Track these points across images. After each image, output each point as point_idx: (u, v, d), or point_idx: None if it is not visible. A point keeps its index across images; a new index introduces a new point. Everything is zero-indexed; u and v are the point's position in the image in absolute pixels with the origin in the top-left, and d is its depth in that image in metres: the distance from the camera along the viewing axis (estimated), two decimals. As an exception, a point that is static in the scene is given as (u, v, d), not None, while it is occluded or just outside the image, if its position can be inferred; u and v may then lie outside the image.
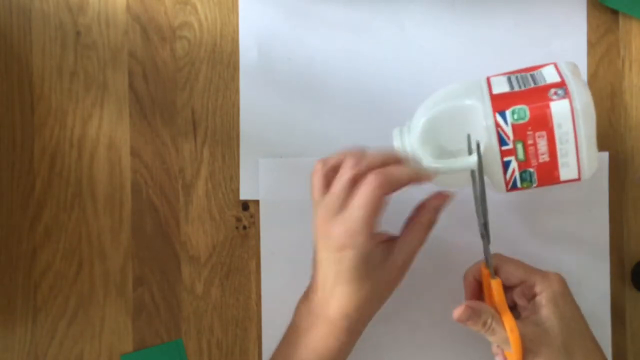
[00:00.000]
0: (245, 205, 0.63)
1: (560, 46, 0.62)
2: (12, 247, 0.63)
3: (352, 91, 0.63)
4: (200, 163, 0.63)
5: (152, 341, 0.63)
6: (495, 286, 0.52)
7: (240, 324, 0.63)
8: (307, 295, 0.55)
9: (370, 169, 0.51)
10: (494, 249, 0.53)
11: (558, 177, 0.51)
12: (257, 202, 0.63)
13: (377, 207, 0.50)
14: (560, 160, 0.51)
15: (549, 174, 0.51)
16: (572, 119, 0.49)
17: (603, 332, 0.60)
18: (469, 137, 0.51)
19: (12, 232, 0.63)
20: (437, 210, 0.54)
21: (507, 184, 0.52)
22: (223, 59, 0.63)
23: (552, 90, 0.50)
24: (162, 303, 0.63)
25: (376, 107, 0.63)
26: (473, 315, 0.50)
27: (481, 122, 0.51)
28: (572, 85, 0.50)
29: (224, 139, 0.63)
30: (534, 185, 0.52)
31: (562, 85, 0.50)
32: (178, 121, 0.63)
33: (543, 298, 0.52)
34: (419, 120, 0.53)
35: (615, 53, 0.63)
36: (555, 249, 0.61)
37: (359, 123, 0.62)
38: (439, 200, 0.54)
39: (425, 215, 0.54)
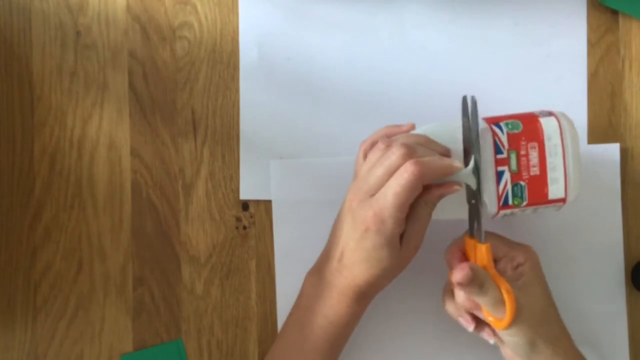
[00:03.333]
0: (245, 205, 0.63)
1: (560, 46, 0.62)
2: (12, 247, 0.63)
3: (352, 91, 0.63)
4: (200, 163, 0.63)
5: (152, 341, 0.63)
6: (485, 250, 0.52)
7: (240, 324, 0.63)
8: (318, 265, 0.56)
9: (410, 150, 0.51)
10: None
11: (547, 195, 0.53)
12: (257, 202, 0.63)
13: (410, 195, 0.50)
14: (549, 175, 0.53)
15: (539, 190, 0.53)
16: (560, 133, 0.53)
17: (617, 329, 0.61)
18: (465, 103, 0.53)
19: (12, 232, 0.63)
20: (433, 202, 0.53)
21: (499, 198, 0.53)
22: (223, 59, 0.63)
23: (537, 112, 0.55)
24: (162, 303, 0.63)
25: (376, 107, 0.63)
26: (474, 276, 0.50)
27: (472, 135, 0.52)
28: (556, 112, 0.55)
29: (224, 139, 0.63)
30: (524, 203, 0.53)
31: (544, 111, 0.55)
32: (178, 121, 0.63)
33: (527, 266, 0.54)
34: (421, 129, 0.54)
35: (615, 53, 0.63)
36: (565, 243, 0.61)
37: (359, 122, 0.62)
38: (445, 188, 0.53)
39: (424, 208, 0.53)
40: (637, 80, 0.63)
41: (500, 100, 0.62)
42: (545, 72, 0.62)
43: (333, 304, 0.54)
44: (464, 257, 0.55)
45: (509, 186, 0.53)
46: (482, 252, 0.52)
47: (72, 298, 0.63)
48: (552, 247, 0.62)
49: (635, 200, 0.62)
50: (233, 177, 0.63)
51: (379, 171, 0.51)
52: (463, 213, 0.54)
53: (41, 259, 0.63)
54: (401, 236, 0.53)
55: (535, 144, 0.53)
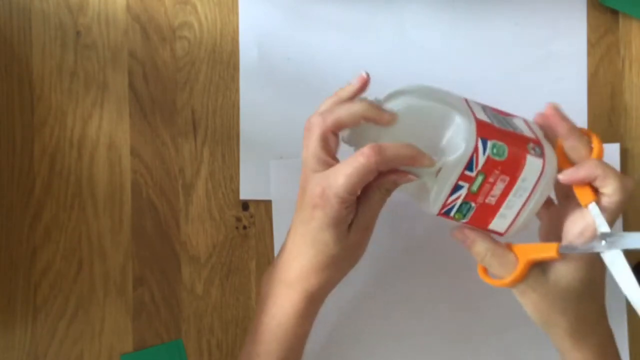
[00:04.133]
0: (245, 205, 0.63)
1: (560, 46, 0.62)
2: (12, 247, 0.63)
3: (352, 91, 0.63)
4: (200, 163, 0.63)
5: (152, 341, 0.63)
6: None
7: (240, 324, 0.63)
8: (273, 262, 0.53)
9: (338, 117, 0.48)
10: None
11: (487, 224, 0.51)
12: (257, 202, 0.63)
13: (363, 179, 0.47)
14: (501, 210, 0.50)
15: (483, 217, 0.50)
16: (537, 179, 0.49)
17: (617, 329, 0.61)
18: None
19: (12, 232, 0.63)
20: (387, 189, 0.50)
21: (443, 206, 0.50)
22: (223, 59, 0.63)
23: (531, 145, 0.50)
24: (162, 303, 0.63)
25: (376, 107, 0.63)
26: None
27: (458, 138, 0.49)
28: (547, 149, 0.51)
29: (224, 139, 0.63)
30: (463, 221, 0.51)
31: (538, 144, 0.51)
32: (178, 121, 0.63)
33: (612, 203, 0.49)
34: (400, 100, 0.49)
35: (615, 53, 0.63)
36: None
37: (359, 123, 0.62)
38: (399, 176, 0.50)
39: (376, 193, 0.50)
40: (637, 80, 0.63)
41: (500, 100, 0.62)
42: (545, 72, 0.62)
43: (281, 303, 0.51)
44: None
45: (459, 202, 0.50)
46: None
47: (72, 298, 0.63)
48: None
49: (635, 201, 0.62)
50: (233, 177, 0.63)
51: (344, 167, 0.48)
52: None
53: (41, 259, 0.63)
54: (355, 217, 0.49)
55: (507, 178, 0.49)
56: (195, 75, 0.63)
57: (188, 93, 0.63)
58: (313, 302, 0.52)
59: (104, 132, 0.63)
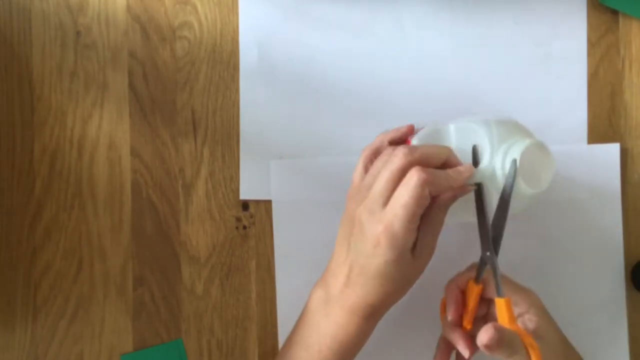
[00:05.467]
0: (245, 205, 0.63)
1: (560, 46, 0.62)
2: (12, 247, 0.63)
3: (352, 91, 0.63)
4: (200, 163, 0.63)
5: (152, 341, 0.63)
6: (505, 305, 0.49)
7: (240, 324, 0.63)
8: (325, 280, 0.53)
9: (421, 162, 0.49)
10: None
11: None
12: (257, 202, 0.63)
13: (420, 205, 0.48)
14: None
15: None
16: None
17: (617, 329, 0.61)
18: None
19: (12, 232, 0.63)
20: (446, 206, 0.51)
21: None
22: (223, 59, 0.63)
23: None
24: (162, 303, 0.63)
25: (375, 107, 0.63)
26: (500, 338, 0.46)
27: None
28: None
29: (224, 139, 0.63)
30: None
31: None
32: (178, 121, 0.63)
33: (533, 315, 0.51)
34: (524, 143, 0.51)
35: (615, 53, 0.63)
36: (565, 243, 0.61)
37: (359, 122, 0.62)
38: (461, 191, 0.51)
39: (438, 214, 0.51)
40: (637, 80, 0.63)
41: (500, 100, 0.62)
42: (545, 72, 0.62)
43: (342, 324, 0.51)
44: (461, 299, 0.53)
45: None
46: (502, 308, 0.49)
47: (72, 298, 0.63)
48: (552, 247, 0.62)
49: (635, 201, 0.62)
50: (233, 177, 0.63)
51: (385, 175, 0.49)
52: (471, 216, 0.53)
53: (41, 259, 0.63)
54: (413, 245, 0.50)
55: None
56: (195, 75, 0.63)
57: (188, 93, 0.63)
58: (374, 322, 0.53)
59: (104, 132, 0.63)
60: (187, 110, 0.63)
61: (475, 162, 0.52)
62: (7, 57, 0.63)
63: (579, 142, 0.62)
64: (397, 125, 0.56)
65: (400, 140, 0.54)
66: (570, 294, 0.61)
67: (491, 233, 0.51)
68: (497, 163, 0.51)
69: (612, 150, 0.62)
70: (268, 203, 0.63)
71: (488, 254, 0.51)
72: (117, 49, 0.63)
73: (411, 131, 0.55)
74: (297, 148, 0.63)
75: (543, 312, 0.52)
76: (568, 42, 0.62)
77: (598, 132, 0.62)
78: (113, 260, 0.63)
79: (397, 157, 0.49)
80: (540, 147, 0.51)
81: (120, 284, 0.63)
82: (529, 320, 0.52)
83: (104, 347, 0.63)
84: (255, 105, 0.63)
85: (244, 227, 0.63)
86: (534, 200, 0.52)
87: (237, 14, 0.63)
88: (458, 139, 0.53)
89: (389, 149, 0.51)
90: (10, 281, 0.63)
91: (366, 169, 0.53)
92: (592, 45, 0.62)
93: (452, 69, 0.63)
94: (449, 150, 0.51)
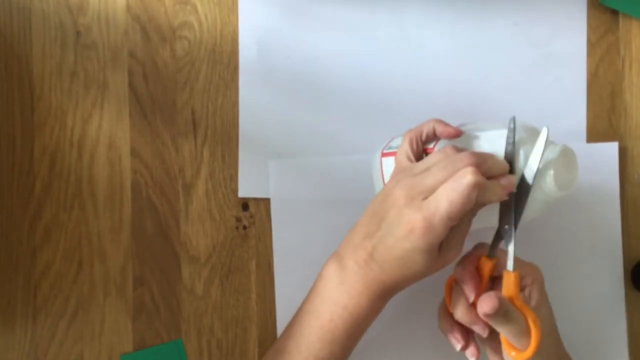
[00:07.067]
0: (245, 205, 0.63)
1: (560, 46, 0.62)
2: (12, 247, 0.63)
3: (352, 90, 0.63)
4: (200, 163, 0.63)
5: (152, 341, 0.63)
6: (513, 278, 0.51)
7: (240, 324, 0.63)
8: (342, 251, 0.54)
9: (480, 160, 0.49)
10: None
11: None
12: (257, 202, 0.63)
13: (464, 208, 0.48)
14: None
15: None
16: None
17: (617, 329, 0.61)
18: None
19: (12, 232, 0.63)
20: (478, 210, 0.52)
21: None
22: (223, 59, 0.63)
23: None
24: (162, 303, 0.63)
25: (375, 106, 0.63)
26: (500, 307, 0.49)
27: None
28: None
29: (224, 139, 0.63)
30: None
31: None
32: (178, 121, 0.63)
33: (535, 289, 0.53)
34: (557, 148, 0.52)
35: (615, 53, 0.63)
36: (565, 243, 0.62)
37: (358, 122, 0.62)
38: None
39: (470, 217, 0.52)
40: (637, 80, 0.63)
41: (500, 100, 0.62)
42: (545, 72, 0.63)
43: (355, 295, 0.52)
44: (477, 275, 0.54)
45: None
46: (510, 281, 0.51)
47: (72, 298, 0.63)
48: (552, 247, 0.62)
49: (634, 200, 0.62)
50: (233, 177, 0.63)
51: (441, 174, 0.49)
52: (493, 221, 0.53)
53: (41, 259, 0.63)
54: (440, 243, 0.50)
55: None
56: (195, 75, 0.63)
57: (188, 93, 0.63)
58: (384, 303, 0.54)
59: (104, 132, 0.63)
60: (187, 110, 0.63)
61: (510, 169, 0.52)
62: (7, 56, 0.63)
63: (578, 142, 0.62)
64: (397, 125, 0.56)
65: (441, 135, 0.54)
66: (570, 293, 0.61)
67: (513, 207, 0.52)
68: (529, 170, 0.51)
69: (610, 149, 0.62)
70: (268, 203, 0.63)
71: (507, 227, 0.52)
72: (117, 49, 0.63)
73: (458, 135, 0.54)
74: (296, 147, 0.63)
75: (543, 290, 0.53)
76: (568, 42, 0.62)
77: (598, 132, 0.63)
78: (113, 260, 0.63)
79: (463, 163, 0.49)
80: (569, 152, 0.52)
81: (120, 284, 0.63)
82: (530, 296, 0.52)
83: (104, 347, 0.63)
84: (255, 105, 0.63)
85: (244, 227, 0.63)
86: (554, 204, 0.53)
87: (237, 14, 0.63)
88: (488, 146, 0.53)
89: (451, 149, 0.51)
90: (10, 281, 0.63)
91: (412, 149, 0.53)
92: (592, 45, 0.62)
93: (452, 69, 0.63)
94: (508, 167, 0.52)
